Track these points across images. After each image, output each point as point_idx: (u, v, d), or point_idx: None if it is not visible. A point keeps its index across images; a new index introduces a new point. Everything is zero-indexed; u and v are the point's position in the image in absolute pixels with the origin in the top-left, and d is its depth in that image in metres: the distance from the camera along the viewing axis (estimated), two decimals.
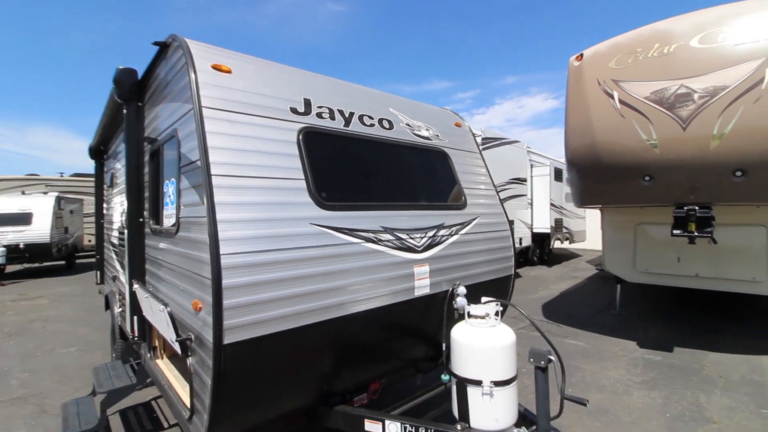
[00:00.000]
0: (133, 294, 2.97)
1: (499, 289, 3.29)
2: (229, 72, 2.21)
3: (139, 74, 3.01)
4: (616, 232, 6.93)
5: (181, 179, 2.25)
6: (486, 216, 3.32)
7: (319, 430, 2.40)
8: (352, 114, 2.74)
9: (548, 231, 12.54)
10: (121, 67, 2.94)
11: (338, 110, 2.68)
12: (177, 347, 2.00)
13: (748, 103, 4.23)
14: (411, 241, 2.60)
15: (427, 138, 3.27)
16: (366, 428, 2.17)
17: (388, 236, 2.47)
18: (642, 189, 4.92)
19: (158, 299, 2.27)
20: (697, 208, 4.59)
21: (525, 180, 12.20)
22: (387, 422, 2.12)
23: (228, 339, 1.71)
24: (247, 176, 1.99)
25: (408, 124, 3.15)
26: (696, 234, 4.56)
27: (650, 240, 6.48)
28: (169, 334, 2.11)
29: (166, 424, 3.46)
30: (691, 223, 4.57)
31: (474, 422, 1.99)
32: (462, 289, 2.74)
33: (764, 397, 3.85)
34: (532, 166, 12.67)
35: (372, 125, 2.84)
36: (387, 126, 2.95)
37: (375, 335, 2.42)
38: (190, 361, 2.00)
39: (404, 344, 2.69)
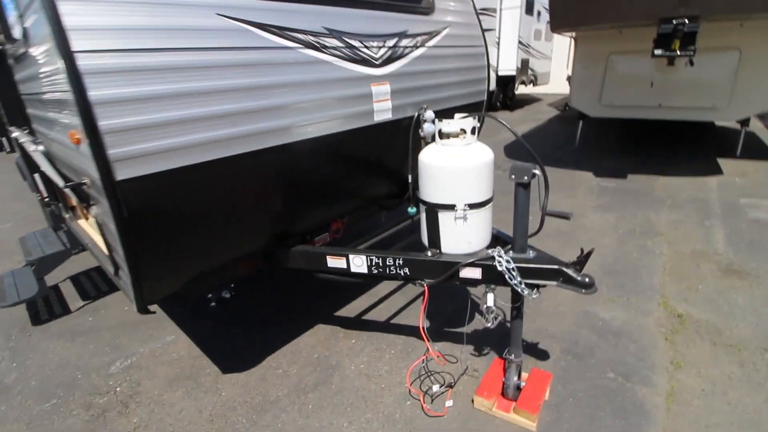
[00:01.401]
0: (21, 145, 2.36)
1: None
2: None
3: None
4: (586, 67, 6.60)
5: None
6: (458, 27, 2.70)
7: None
8: None
9: (514, 73, 11.81)
10: None
11: None
12: (71, 195, 1.56)
13: None
14: (366, 51, 2.04)
15: None
16: (329, 265, 2.00)
17: (335, 42, 1.88)
18: (628, 1, 4.29)
19: (33, 140, 1.72)
20: (686, 21, 4.09)
21: (494, 11, 10.83)
22: (351, 256, 1.94)
23: (122, 174, 1.27)
24: None
25: None
26: (678, 53, 4.18)
27: (619, 72, 6.24)
28: (58, 180, 1.64)
29: None
30: (676, 40, 4.14)
31: (445, 247, 1.83)
32: (430, 114, 2.32)
33: (707, 210, 4.12)
34: None
35: None
36: None
37: (330, 169, 2.07)
38: (94, 210, 1.60)
39: (366, 179, 2.38)
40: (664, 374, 2.11)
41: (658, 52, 4.30)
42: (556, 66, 15.20)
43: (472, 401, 1.96)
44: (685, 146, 6.91)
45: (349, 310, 2.77)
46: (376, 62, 2.08)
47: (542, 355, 2.28)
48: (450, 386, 2.07)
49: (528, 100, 15.00)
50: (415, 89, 2.34)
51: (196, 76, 1.40)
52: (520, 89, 13.67)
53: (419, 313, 2.69)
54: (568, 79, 9.38)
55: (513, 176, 1.63)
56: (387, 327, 2.58)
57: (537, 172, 1.62)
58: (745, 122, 5.79)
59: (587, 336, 2.42)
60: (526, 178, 1.61)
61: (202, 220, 1.60)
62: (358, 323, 2.64)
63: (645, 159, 6.21)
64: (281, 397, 2.05)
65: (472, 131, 1.77)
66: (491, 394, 1.93)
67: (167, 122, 1.35)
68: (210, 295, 1.99)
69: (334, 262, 1.97)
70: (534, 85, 13.84)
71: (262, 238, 1.95)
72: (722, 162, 5.78)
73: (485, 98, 3.01)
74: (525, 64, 12.33)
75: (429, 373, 2.16)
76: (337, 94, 1.90)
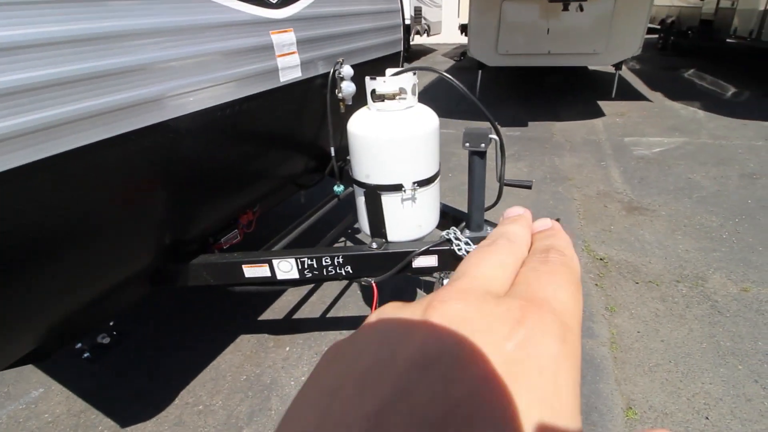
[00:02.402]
0: None
1: None
2: None
3: None
4: (481, 14, 6.51)
5: None
6: None
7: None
8: None
9: (408, 23, 11.45)
10: None
11: None
12: None
13: None
14: None
15: None
16: (246, 275, 1.56)
17: None
18: None
19: None
20: None
21: None
22: (276, 261, 1.52)
23: None
24: None
25: None
26: None
27: (512, 20, 6.29)
28: None
29: None
30: None
31: (392, 235, 1.52)
32: (348, 70, 1.91)
33: (600, 152, 4.46)
34: None
35: None
36: None
37: (229, 150, 1.56)
38: None
39: (277, 156, 1.91)
40: (603, 322, 2.17)
41: None
42: (447, 15, 15.22)
43: None
44: (570, 91, 7.47)
45: (276, 311, 2.36)
46: (274, 1, 1.57)
47: None
48: None
49: (423, 51, 14.93)
50: (326, 38, 1.87)
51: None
52: (415, 40, 13.44)
53: (359, 300, 2.42)
54: (461, 28, 9.31)
55: (468, 144, 1.36)
56: (324, 323, 2.26)
57: (494, 137, 1.37)
58: (618, 66, 6.38)
59: None
60: (483, 145, 1.36)
61: (39, 245, 1.03)
62: (290, 325, 2.26)
63: (540, 105, 6.55)
64: None
65: (413, 90, 1.43)
66: None
67: None
68: (79, 345, 1.42)
69: (254, 270, 1.54)
70: (428, 35, 13.70)
71: (144, 256, 1.41)
72: (602, 104, 6.36)
73: (402, 48, 2.64)
74: (418, 12, 12.03)
75: None
76: (225, 45, 1.37)
